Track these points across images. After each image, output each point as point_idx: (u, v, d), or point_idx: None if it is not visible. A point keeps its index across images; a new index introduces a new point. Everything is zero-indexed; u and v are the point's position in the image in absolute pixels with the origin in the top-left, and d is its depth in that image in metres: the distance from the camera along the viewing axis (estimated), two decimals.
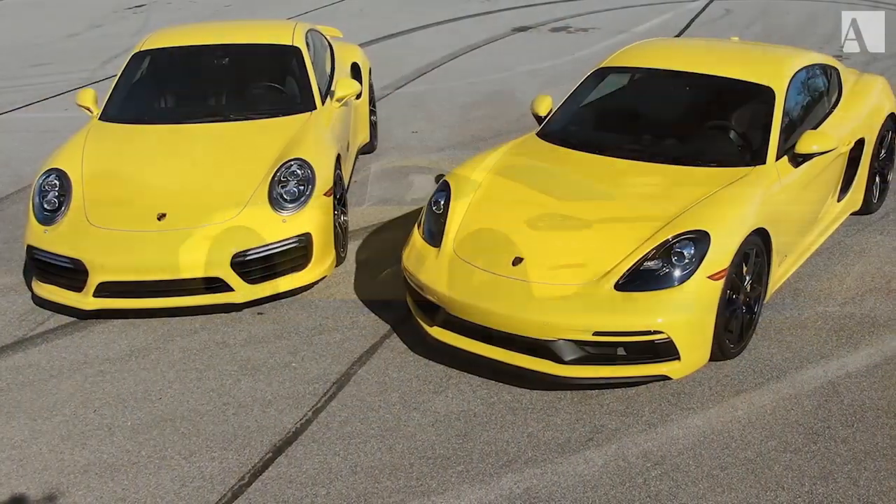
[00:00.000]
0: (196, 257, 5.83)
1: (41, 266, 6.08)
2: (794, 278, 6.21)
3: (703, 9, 15.35)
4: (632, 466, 4.58)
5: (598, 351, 4.97)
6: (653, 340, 4.86)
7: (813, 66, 6.50)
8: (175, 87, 7.57)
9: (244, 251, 5.88)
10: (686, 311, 4.90)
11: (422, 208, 7.62)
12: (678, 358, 4.93)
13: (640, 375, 4.98)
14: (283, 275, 6.09)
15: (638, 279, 4.94)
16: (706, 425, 4.87)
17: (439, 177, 8.44)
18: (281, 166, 6.22)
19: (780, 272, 5.81)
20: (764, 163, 5.65)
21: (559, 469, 4.59)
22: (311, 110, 7.08)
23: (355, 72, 8.66)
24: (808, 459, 4.57)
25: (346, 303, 6.32)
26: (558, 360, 4.95)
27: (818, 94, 6.52)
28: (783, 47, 6.70)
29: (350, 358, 5.65)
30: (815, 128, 6.21)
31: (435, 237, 5.58)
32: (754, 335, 5.57)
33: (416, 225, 5.85)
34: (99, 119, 7.13)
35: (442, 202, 5.74)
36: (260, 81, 7.51)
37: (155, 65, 7.53)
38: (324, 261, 6.29)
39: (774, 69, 6.13)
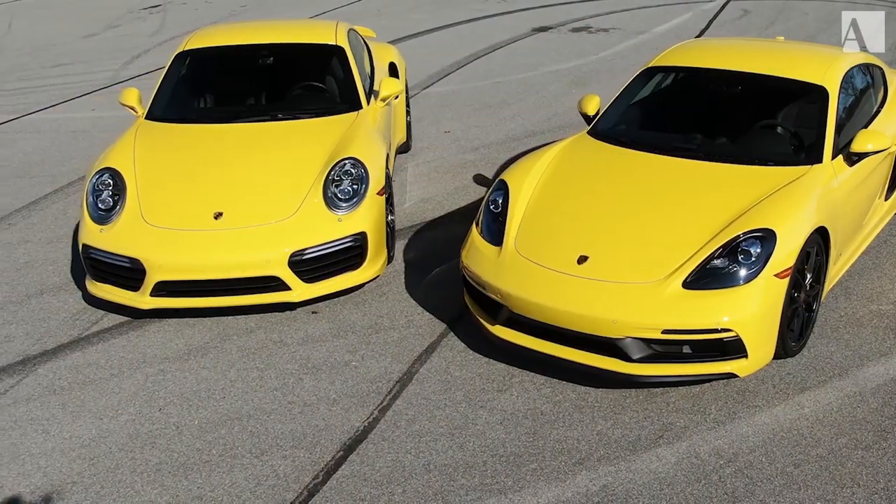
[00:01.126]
0: (254, 256, 5.85)
1: (96, 265, 6.08)
2: (844, 277, 6.24)
3: (721, 9, 15.37)
4: (705, 464, 4.60)
5: (665, 349, 4.99)
6: (721, 338, 4.88)
7: (861, 64, 6.53)
8: (221, 86, 7.57)
9: (301, 250, 5.89)
10: (754, 309, 4.92)
11: (461, 208, 7.71)
12: (745, 356, 4.95)
13: (707, 373, 5.00)
14: (339, 274, 6.10)
15: (706, 277, 4.96)
16: (774, 423, 4.89)
17: (477, 176, 8.48)
18: (335, 165, 6.23)
19: (835, 270, 5.84)
20: (821, 161, 5.68)
21: (633, 467, 4.61)
22: (357, 110, 7.10)
23: (392, 71, 8.67)
24: (880, 456, 4.59)
25: (399, 302, 6.33)
26: (626, 358, 4.97)
27: (866, 93, 6.55)
28: (830, 46, 6.73)
29: (410, 356, 5.66)
30: (865, 126, 6.23)
31: (495, 236, 5.60)
32: (812, 333, 5.59)
33: (473, 223, 5.86)
34: (145, 118, 7.12)
35: (500, 201, 5.76)
36: (305, 81, 7.50)
37: (199, 64, 7.52)
38: (377, 260, 6.30)
39: (826, 68, 6.15)
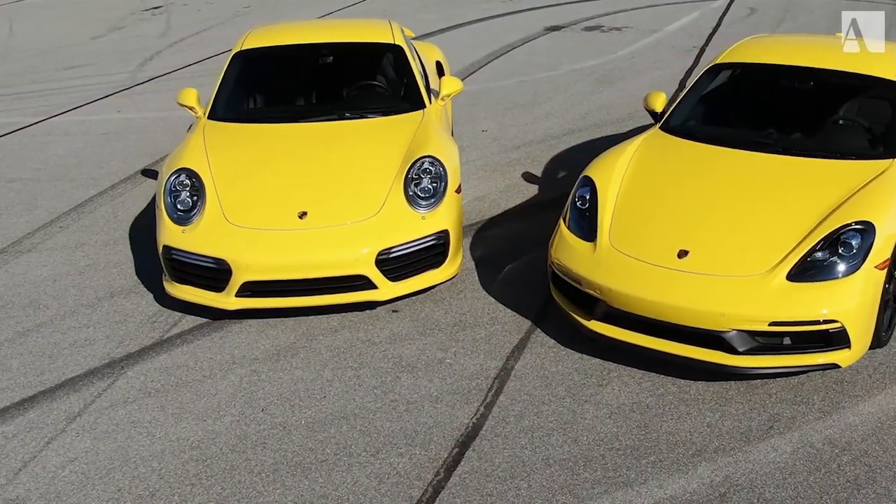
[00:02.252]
0: (342, 255, 5.85)
1: (178, 266, 6.04)
2: None
3: (728, 8, 15.52)
4: (820, 453, 4.68)
5: (767, 341, 5.06)
6: (827, 329, 4.96)
7: None
8: (282, 86, 7.54)
9: (388, 249, 5.89)
10: (857, 300, 5.01)
11: (517, 206, 7.75)
12: (849, 346, 5.03)
13: (811, 364, 5.07)
14: (422, 272, 6.12)
15: (810, 269, 5.04)
16: (879, 412, 4.98)
17: (526, 174, 8.52)
18: (413, 164, 6.25)
19: None
20: None
21: (750, 457, 4.67)
22: (421, 108, 7.11)
23: (440, 70, 8.70)
24: None
25: (478, 299, 6.35)
26: (732, 350, 5.03)
27: None
28: (890, 42, 6.83)
29: (502, 353, 5.69)
30: None
31: (586, 231, 5.64)
32: None
33: (560, 219, 5.90)
34: (208, 118, 7.07)
35: (587, 197, 5.81)
36: (366, 80, 7.51)
37: (258, 64, 7.49)
38: (457, 258, 6.33)
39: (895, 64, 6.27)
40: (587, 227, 5.66)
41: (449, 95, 7.37)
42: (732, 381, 5.28)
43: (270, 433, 5.04)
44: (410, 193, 6.15)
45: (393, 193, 6.12)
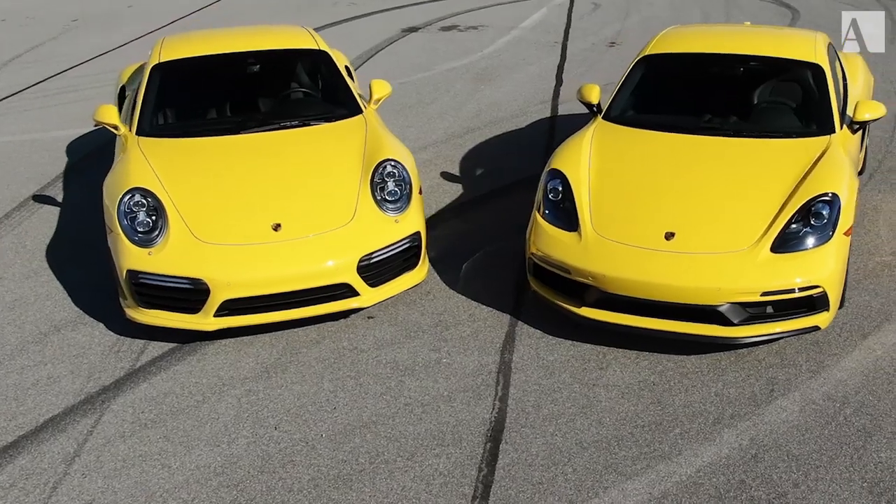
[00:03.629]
0: (324, 265, 5.73)
1: (147, 290, 5.73)
2: None
3: (572, 4, 16.14)
4: (825, 409, 5.03)
5: (756, 311, 5.37)
6: (811, 295, 5.33)
7: (829, 43, 7.21)
8: (212, 97, 7.22)
9: (369, 255, 5.83)
10: (833, 266, 5.41)
11: (449, 205, 7.82)
12: (827, 309, 5.42)
13: (798, 328, 5.42)
14: (399, 275, 6.09)
15: (790, 240, 5.40)
16: (860, 366, 5.40)
17: (444, 174, 8.60)
18: (377, 168, 6.20)
19: None
20: (835, 132, 6.26)
21: (765, 419, 4.97)
22: (358, 113, 7.05)
23: (349, 74, 8.60)
24: None
25: (448, 298, 6.38)
26: (727, 322, 5.32)
27: (835, 66, 7.21)
28: (799, 29, 7.37)
29: (495, 348, 5.76)
30: (844, 98, 6.90)
31: (565, 222, 5.79)
32: None
33: (535, 211, 6.01)
34: (136, 135, 6.71)
35: (560, 189, 5.95)
36: (297, 87, 7.36)
37: (181, 76, 7.17)
38: (427, 259, 6.33)
39: (814, 46, 6.78)
40: (566, 218, 5.81)
41: (380, 99, 7.33)
42: (722, 352, 5.57)
43: (294, 450, 4.90)
44: (378, 198, 6.10)
45: (362, 199, 6.05)
